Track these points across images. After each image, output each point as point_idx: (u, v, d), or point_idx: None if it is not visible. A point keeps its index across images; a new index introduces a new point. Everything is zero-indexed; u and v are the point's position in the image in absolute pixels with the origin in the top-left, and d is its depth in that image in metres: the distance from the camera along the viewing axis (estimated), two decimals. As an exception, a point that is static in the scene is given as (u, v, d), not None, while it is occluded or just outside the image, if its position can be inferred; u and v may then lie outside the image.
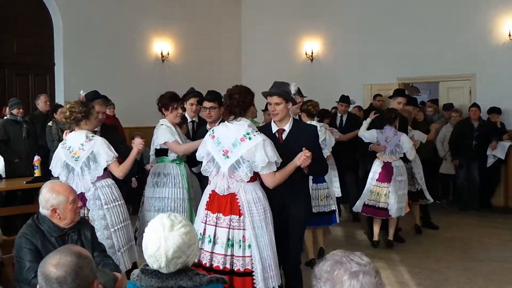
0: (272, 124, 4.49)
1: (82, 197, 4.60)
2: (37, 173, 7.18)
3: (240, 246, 4.01)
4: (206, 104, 5.42)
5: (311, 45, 12.76)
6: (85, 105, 4.78)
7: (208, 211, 4.12)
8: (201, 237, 4.04)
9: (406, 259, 6.66)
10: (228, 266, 3.99)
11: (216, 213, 4.06)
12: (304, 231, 4.82)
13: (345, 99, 8.99)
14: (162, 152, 5.19)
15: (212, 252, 4.03)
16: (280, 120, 4.44)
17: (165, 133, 5.09)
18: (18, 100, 8.33)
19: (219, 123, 4.91)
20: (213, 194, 4.13)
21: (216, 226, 4.04)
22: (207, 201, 4.16)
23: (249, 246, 4.00)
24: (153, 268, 2.36)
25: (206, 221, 4.10)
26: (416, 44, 11.02)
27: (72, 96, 9.97)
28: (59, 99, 10.36)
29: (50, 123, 8.40)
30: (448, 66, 10.67)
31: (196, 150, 4.43)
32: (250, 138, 4.03)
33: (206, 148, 4.19)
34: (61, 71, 10.63)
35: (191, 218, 5.05)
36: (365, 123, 7.43)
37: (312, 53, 12.76)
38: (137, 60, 11.74)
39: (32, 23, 10.39)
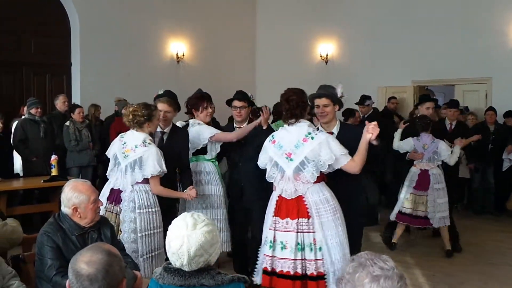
0: (319, 127, 4.41)
1: (118, 194, 4.63)
2: (54, 172, 7.25)
3: (311, 249, 3.94)
4: (237, 103, 5.49)
5: (326, 47, 12.76)
6: (147, 107, 4.67)
7: (277, 217, 4.05)
8: (271, 244, 4.01)
9: (421, 262, 6.64)
10: (299, 270, 3.92)
11: (286, 218, 4.00)
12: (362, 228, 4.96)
13: (362, 100, 8.91)
14: (200, 151, 5.34)
15: (283, 258, 3.97)
16: (327, 122, 4.43)
17: (206, 128, 5.27)
18: (36, 100, 8.42)
19: (248, 122, 5.17)
20: (280, 199, 4.07)
21: (286, 231, 3.98)
22: (274, 208, 4.10)
23: (320, 248, 3.93)
24: (176, 267, 2.38)
25: (275, 227, 4.04)
26: (431, 46, 10.98)
27: (89, 96, 10.15)
28: (76, 99, 10.46)
29: (67, 123, 8.50)
30: (463, 69, 10.61)
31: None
32: (312, 138, 4.00)
33: (267, 154, 4.16)
34: (78, 71, 10.75)
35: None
36: (397, 134, 7.16)
37: (327, 55, 12.75)
38: (152, 61, 11.82)
39: (49, 24, 10.51)
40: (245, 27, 13.81)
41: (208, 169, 5.39)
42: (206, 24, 12.65)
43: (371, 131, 4.00)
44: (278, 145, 4.09)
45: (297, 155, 3.99)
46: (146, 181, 4.61)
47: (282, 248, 3.98)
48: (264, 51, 13.86)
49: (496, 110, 9.48)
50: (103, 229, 3.52)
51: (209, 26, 12.70)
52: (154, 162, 4.53)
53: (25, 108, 8.44)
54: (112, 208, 4.65)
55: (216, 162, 5.51)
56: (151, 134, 4.76)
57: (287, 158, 4.03)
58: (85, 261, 2.03)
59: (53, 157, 7.30)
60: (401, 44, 11.41)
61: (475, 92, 10.79)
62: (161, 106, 5.05)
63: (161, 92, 5.46)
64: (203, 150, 5.37)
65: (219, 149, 5.45)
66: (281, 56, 13.30)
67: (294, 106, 4.06)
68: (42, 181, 7.22)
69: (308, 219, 3.96)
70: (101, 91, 10.36)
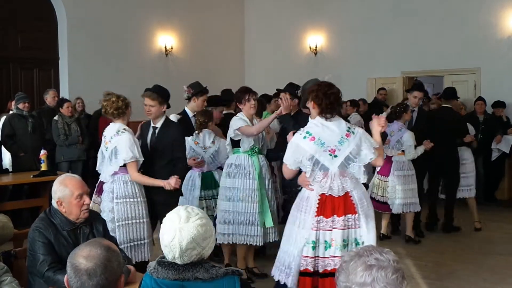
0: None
1: (101, 186, 4.81)
2: (43, 167, 7.22)
3: (357, 243, 3.88)
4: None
5: (315, 38, 12.75)
6: (118, 97, 4.85)
7: (321, 217, 3.87)
8: (314, 245, 3.86)
9: (412, 252, 6.68)
10: None
11: (332, 216, 3.87)
12: None
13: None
14: (235, 144, 5.40)
15: (328, 257, 3.88)
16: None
17: (236, 120, 5.34)
18: (25, 95, 8.35)
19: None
20: (323, 198, 3.89)
21: (332, 229, 3.87)
22: (317, 207, 3.88)
23: (363, 243, 3.86)
24: (169, 260, 2.38)
25: (319, 227, 3.87)
26: (420, 37, 11.01)
27: (77, 90, 10.08)
28: (64, 93, 10.38)
29: (56, 117, 8.43)
30: (452, 59, 10.66)
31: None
32: (353, 132, 3.94)
33: (306, 153, 3.88)
34: (66, 65, 10.66)
35: (262, 208, 5.35)
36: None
37: (316, 47, 12.74)
38: (141, 54, 11.75)
39: (36, 18, 10.41)
40: (234, 19, 13.76)
41: (238, 162, 5.37)
42: (195, 16, 12.58)
43: (382, 124, 4.06)
44: (318, 141, 3.87)
45: (342, 151, 3.87)
46: (125, 171, 4.70)
47: (326, 247, 3.87)
48: (253, 43, 13.83)
49: (485, 100, 9.54)
50: (96, 224, 3.50)
51: (198, 18, 12.63)
52: (126, 149, 4.61)
53: (13, 103, 8.38)
54: (96, 199, 4.84)
55: (255, 156, 5.42)
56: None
57: (330, 155, 3.87)
58: (84, 256, 2.02)
59: (42, 152, 7.25)
60: (390, 35, 11.43)
61: (464, 83, 10.83)
62: (145, 100, 5.07)
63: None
64: (237, 143, 5.40)
65: (252, 142, 5.38)
66: (270, 48, 13.28)
67: (333, 101, 3.93)
68: (31, 176, 7.18)
69: (355, 215, 3.89)
70: (89, 85, 10.28)
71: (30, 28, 10.31)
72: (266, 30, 13.39)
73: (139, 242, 4.79)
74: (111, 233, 4.42)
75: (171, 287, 2.33)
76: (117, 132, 4.71)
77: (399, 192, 6.84)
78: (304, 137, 3.91)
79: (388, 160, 6.83)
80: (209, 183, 5.94)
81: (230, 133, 5.38)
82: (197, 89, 5.93)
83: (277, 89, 6.36)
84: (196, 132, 5.85)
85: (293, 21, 12.88)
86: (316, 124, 3.96)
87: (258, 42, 13.66)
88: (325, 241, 3.87)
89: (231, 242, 5.48)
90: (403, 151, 6.87)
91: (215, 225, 5.44)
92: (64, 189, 3.32)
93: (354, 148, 3.89)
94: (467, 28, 10.45)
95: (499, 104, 9.64)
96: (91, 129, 9.29)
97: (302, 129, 4.00)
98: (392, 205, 6.86)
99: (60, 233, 3.32)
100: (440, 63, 10.87)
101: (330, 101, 3.92)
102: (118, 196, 4.70)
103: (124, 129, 4.75)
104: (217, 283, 2.36)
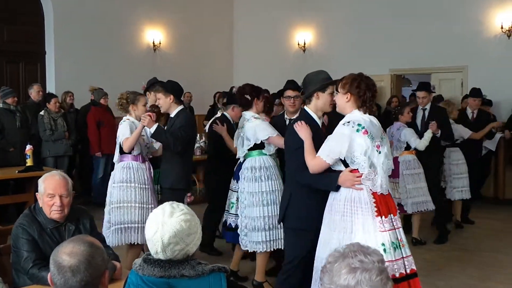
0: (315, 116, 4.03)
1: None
2: (29, 162, 7.16)
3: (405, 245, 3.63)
4: (290, 93, 5.29)
5: (304, 35, 12.74)
6: (131, 93, 5.42)
7: (382, 217, 3.53)
8: (384, 247, 3.47)
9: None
10: (403, 270, 3.56)
11: (389, 215, 3.57)
12: None
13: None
14: (258, 146, 5.08)
15: (399, 259, 3.55)
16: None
17: (266, 127, 5.00)
18: (11, 89, 8.27)
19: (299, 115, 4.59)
20: (376, 197, 3.57)
21: (395, 229, 3.57)
22: (375, 207, 3.54)
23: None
24: (153, 255, 2.36)
25: (385, 228, 3.51)
26: (408, 35, 11.04)
27: (63, 85, 9.99)
28: (50, 87, 10.30)
29: (42, 112, 8.35)
30: (440, 57, 10.70)
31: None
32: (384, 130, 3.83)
33: (361, 147, 3.55)
34: (52, 59, 10.56)
35: None
36: None
37: (304, 44, 12.74)
38: (128, 49, 11.68)
39: (22, 11, 10.30)
40: (223, 14, 13.71)
41: (267, 164, 5.08)
42: (183, 11, 12.52)
43: None
44: (370, 136, 3.56)
45: (383, 147, 3.63)
46: (127, 158, 5.19)
47: (395, 248, 3.53)
48: (242, 39, 13.79)
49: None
50: (82, 221, 3.47)
51: (186, 14, 12.57)
52: (123, 131, 5.17)
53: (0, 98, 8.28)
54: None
55: (274, 155, 5.23)
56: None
57: (377, 151, 3.60)
58: (67, 253, 2.00)
59: (28, 147, 7.19)
60: (378, 32, 11.44)
61: (451, 81, 10.89)
62: (154, 97, 5.50)
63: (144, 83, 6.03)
64: (261, 145, 5.09)
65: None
66: (259, 44, 13.25)
67: (375, 93, 3.69)
68: (17, 171, 7.11)
69: (396, 215, 3.66)
70: (76, 80, 10.21)
71: (17, 21, 10.20)
72: (255, 27, 13.36)
73: (130, 225, 5.08)
74: (107, 215, 5.13)
75: (157, 285, 2.31)
76: (121, 123, 5.32)
77: (411, 191, 6.82)
78: (358, 130, 3.55)
79: (395, 161, 6.83)
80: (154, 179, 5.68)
81: (257, 139, 5.01)
82: (148, 84, 6.21)
83: (279, 91, 5.79)
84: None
85: (282, 17, 12.86)
86: (363, 117, 3.62)
87: (247, 38, 13.62)
88: (392, 242, 3.52)
89: (273, 249, 5.08)
90: (406, 149, 6.88)
91: (228, 229, 5.41)
92: (40, 185, 3.33)
93: (389, 145, 3.76)
94: (454, 26, 10.48)
95: (486, 102, 9.67)
96: (79, 123, 9.22)
97: (349, 121, 3.61)
98: (406, 205, 6.80)
99: (44, 230, 3.30)
100: (427, 61, 10.91)
101: (372, 94, 3.67)
102: (115, 181, 5.16)
103: (127, 119, 5.31)
104: (203, 280, 2.34)
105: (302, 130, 3.80)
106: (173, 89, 5.24)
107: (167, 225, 2.34)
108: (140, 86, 6.48)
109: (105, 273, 2.07)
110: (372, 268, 1.74)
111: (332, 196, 3.69)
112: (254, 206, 5.03)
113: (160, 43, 12.20)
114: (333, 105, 3.92)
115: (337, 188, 3.62)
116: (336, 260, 1.80)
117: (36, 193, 3.37)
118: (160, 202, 5.01)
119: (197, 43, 12.79)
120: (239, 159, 5.40)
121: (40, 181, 3.35)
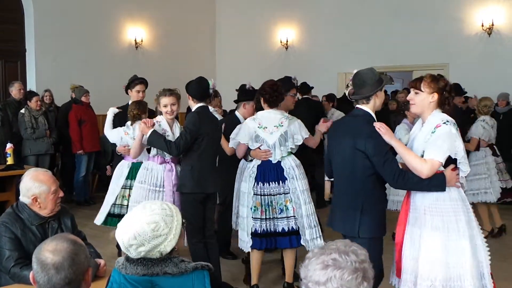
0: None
1: None
2: (9, 160, 7.08)
3: None
4: (294, 91, 5.35)
5: (286, 33, 12.77)
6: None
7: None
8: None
9: (386, 246, 6.67)
10: None
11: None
12: None
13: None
14: None
15: None
16: None
17: (303, 127, 4.90)
18: (-8, 88, 8.19)
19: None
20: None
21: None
22: (472, 208, 3.59)
23: None
24: (135, 256, 2.35)
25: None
26: (390, 33, 11.12)
27: (44, 83, 9.90)
28: (31, 85, 10.19)
29: (22, 111, 8.28)
30: (421, 55, 10.80)
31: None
32: None
33: (461, 146, 3.48)
34: (33, 57, 10.43)
35: None
36: None
37: (287, 41, 12.77)
38: (110, 46, 11.59)
39: (3, 9, 10.16)
40: (205, 12, 13.67)
41: (293, 164, 4.88)
42: (165, 9, 12.46)
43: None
44: (459, 135, 3.56)
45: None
46: (149, 158, 5.18)
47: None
48: (224, 36, 13.78)
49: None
50: (63, 219, 3.47)
51: (169, 11, 12.51)
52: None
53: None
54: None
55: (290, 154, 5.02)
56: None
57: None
58: (50, 250, 1.99)
59: (9, 145, 7.12)
60: (360, 30, 11.52)
61: (432, 78, 10.97)
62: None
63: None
64: None
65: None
66: (241, 42, 13.26)
67: (451, 94, 3.56)
68: (-4, 170, 7.04)
69: None
70: (57, 77, 10.12)
71: (-4, 19, 10.08)
72: (238, 24, 13.35)
73: None
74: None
75: (140, 283, 2.30)
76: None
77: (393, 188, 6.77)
78: (457, 129, 3.48)
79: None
80: (136, 174, 5.53)
81: (302, 137, 4.87)
82: (129, 81, 6.09)
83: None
84: (129, 123, 5.60)
85: (264, 15, 12.87)
86: (447, 117, 3.50)
87: (229, 36, 13.61)
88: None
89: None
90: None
91: (262, 236, 4.87)
92: (40, 186, 3.29)
93: None
94: (436, 24, 10.59)
95: (467, 100, 9.77)
96: (60, 122, 9.14)
97: (448, 120, 3.47)
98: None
99: (28, 228, 3.28)
100: (409, 59, 11.00)
101: (450, 93, 3.53)
102: (136, 181, 5.27)
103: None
104: (186, 278, 2.35)
105: (388, 133, 3.57)
106: (190, 89, 5.07)
107: (129, 227, 2.32)
108: (121, 85, 6.39)
109: (88, 270, 2.07)
110: (345, 267, 1.74)
111: (433, 196, 3.50)
112: (307, 203, 4.86)
113: (142, 41, 12.13)
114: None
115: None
116: (314, 255, 1.81)
117: (32, 195, 3.28)
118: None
119: (179, 40, 12.74)
120: (239, 160, 5.24)
121: (35, 183, 3.29)
